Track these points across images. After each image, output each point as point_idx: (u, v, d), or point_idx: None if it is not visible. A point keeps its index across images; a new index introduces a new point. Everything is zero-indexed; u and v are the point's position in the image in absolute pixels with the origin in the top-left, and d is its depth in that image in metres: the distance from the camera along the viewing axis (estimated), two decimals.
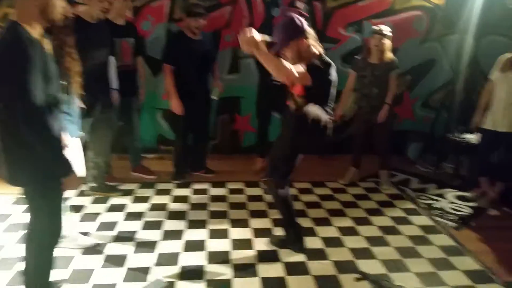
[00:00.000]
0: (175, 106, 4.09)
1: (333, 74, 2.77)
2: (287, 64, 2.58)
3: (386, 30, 4.01)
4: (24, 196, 2.16)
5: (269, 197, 3.80)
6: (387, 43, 4.02)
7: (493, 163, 4.03)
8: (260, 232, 3.38)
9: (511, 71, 3.69)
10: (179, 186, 4.26)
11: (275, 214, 3.43)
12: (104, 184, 3.99)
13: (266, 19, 4.81)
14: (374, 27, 4.10)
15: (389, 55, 4.07)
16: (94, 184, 3.91)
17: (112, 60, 3.80)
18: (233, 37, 4.85)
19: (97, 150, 3.79)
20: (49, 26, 2.09)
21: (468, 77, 5.23)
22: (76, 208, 3.66)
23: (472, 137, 4.47)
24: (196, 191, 4.15)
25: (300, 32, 2.71)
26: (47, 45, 2.08)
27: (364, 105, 4.22)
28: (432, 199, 4.13)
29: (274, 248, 3.15)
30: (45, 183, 2.08)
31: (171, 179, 4.36)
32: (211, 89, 4.32)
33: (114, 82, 3.84)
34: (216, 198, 4.00)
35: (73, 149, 2.76)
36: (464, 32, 5.04)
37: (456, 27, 5.07)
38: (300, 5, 4.04)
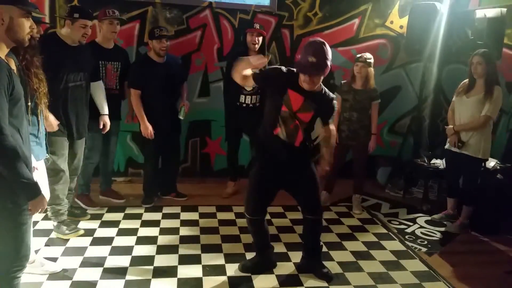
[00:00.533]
0: (144, 129, 4.03)
1: None
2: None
3: (368, 57, 4.15)
4: None
5: (241, 222, 3.74)
6: (370, 70, 4.16)
7: (459, 187, 4.13)
8: (232, 257, 3.31)
9: (465, 95, 3.87)
10: (149, 210, 4.15)
11: (248, 238, 3.37)
12: (72, 208, 3.84)
13: (235, 44, 4.87)
14: (358, 55, 4.25)
15: (372, 82, 4.21)
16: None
17: (100, 85, 3.75)
18: (203, 61, 4.88)
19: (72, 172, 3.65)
20: (15, 46, 2.03)
21: (432, 104, 5.42)
22: (43, 232, 3.51)
23: (439, 162, 4.59)
24: (167, 215, 4.04)
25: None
26: (13, 65, 2.02)
27: (345, 129, 4.30)
28: (403, 224, 4.18)
29: (246, 274, 3.08)
30: (10, 206, 1.97)
31: (141, 203, 4.24)
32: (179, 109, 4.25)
33: (103, 107, 3.78)
34: (187, 223, 3.91)
35: (40, 172, 2.67)
36: (428, 60, 5.22)
37: (420, 55, 5.25)
38: (257, 25, 4.18)
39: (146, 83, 3.99)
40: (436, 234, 3.98)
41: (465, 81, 3.95)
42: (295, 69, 2.75)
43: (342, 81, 4.45)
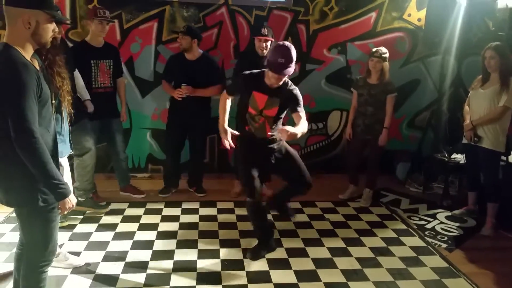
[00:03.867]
0: (182, 90, 4.12)
1: None
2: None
3: (383, 52, 4.13)
4: (17, 216, 2.10)
5: None
6: (385, 64, 4.15)
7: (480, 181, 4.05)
8: None
9: (481, 88, 3.81)
10: (169, 205, 4.21)
11: None
12: (91, 199, 3.94)
13: (251, 42, 4.86)
14: (373, 49, 4.22)
15: (387, 76, 4.19)
16: (81, 199, 3.83)
17: (77, 74, 3.65)
18: (220, 58, 4.90)
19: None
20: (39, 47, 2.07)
21: (452, 97, 5.35)
22: (65, 227, 3.61)
23: (460, 157, 4.52)
24: (186, 211, 4.10)
25: None
26: (37, 65, 2.06)
27: (360, 123, 4.31)
28: (423, 220, 4.14)
29: (265, 269, 3.11)
30: (41, 205, 2.02)
31: (158, 193, 4.43)
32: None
33: (85, 94, 3.79)
34: (206, 218, 3.96)
35: (63, 168, 2.74)
36: (447, 52, 5.16)
37: (438, 48, 5.18)
38: (264, 30, 4.06)
39: (173, 77, 4.29)
40: (456, 230, 3.94)
41: (478, 77, 3.90)
42: (255, 71, 3.15)
43: (358, 76, 4.45)
